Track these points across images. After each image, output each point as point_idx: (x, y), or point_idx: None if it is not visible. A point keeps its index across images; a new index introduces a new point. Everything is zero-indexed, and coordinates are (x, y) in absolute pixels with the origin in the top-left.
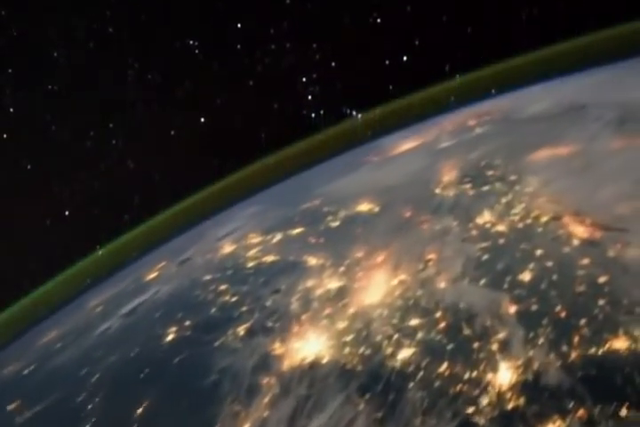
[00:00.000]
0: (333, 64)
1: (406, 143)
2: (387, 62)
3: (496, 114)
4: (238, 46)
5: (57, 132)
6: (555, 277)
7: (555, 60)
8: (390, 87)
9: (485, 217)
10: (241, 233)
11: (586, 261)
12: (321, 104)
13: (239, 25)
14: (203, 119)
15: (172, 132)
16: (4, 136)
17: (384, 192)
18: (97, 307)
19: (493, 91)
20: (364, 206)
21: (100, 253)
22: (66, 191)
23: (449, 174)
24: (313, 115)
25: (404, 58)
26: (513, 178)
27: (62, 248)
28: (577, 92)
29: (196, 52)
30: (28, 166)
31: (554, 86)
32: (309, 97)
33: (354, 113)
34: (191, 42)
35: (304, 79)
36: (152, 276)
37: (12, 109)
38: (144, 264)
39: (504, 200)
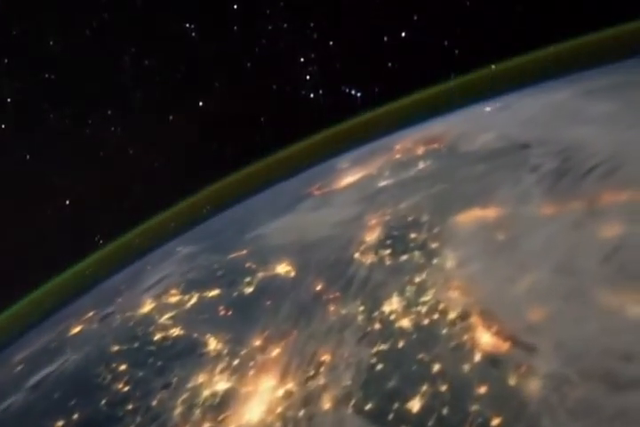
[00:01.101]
0: (331, 43)
1: (352, 172)
2: (385, 39)
3: (446, 140)
4: (235, 28)
5: (55, 120)
6: (445, 410)
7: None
8: (389, 64)
9: (393, 304)
10: (165, 285)
11: (483, 389)
12: (320, 84)
13: (235, 6)
14: (201, 103)
15: (171, 118)
16: (3, 126)
17: (306, 249)
18: (19, 364)
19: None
20: (282, 267)
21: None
22: (66, 180)
23: (373, 231)
24: (312, 95)
25: (403, 34)
26: (433, 246)
27: (63, 239)
28: (529, 119)
29: (193, 35)
30: (27, 156)
31: (513, 103)
32: (308, 77)
33: (352, 92)
34: (187, 25)
35: (302, 59)
36: (76, 330)
37: (9, 100)
38: (80, 307)
39: (418, 279)
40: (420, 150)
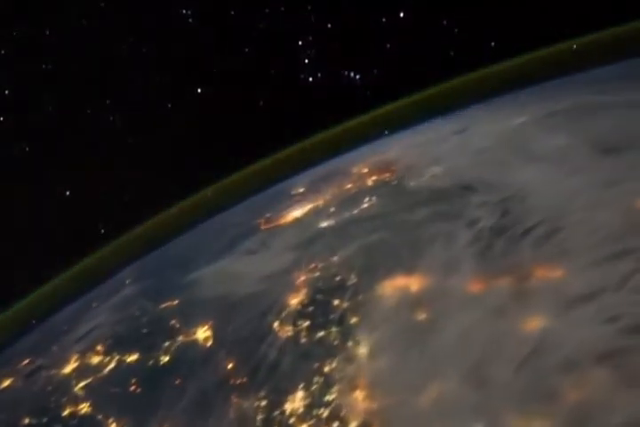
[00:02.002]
0: (329, 26)
1: (303, 201)
2: (383, 20)
3: (398, 170)
4: (232, 12)
5: (54, 111)
6: None
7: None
8: (388, 46)
9: (296, 400)
10: (94, 338)
11: None
12: (318, 67)
13: None
14: (199, 89)
15: (169, 105)
16: (1, 119)
17: (230, 309)
18: None
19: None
20: (202, 332)
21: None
22: (66, 171)
23: (299, 292)
24: (311, 78)
25: (401, 14)
26: (352, 321)
27: (64, 229)
28: (481, 150)
29: (190, 21)
30: (27, 148)
31: (472, 124)
32: (306, 60)
33: (351, 74)
34: (184, 11)
35: (300, 42)
36: (5, 384)
37: (7, 92)
38: (24, 346)
39: (327, 368)
40: (371, 180)
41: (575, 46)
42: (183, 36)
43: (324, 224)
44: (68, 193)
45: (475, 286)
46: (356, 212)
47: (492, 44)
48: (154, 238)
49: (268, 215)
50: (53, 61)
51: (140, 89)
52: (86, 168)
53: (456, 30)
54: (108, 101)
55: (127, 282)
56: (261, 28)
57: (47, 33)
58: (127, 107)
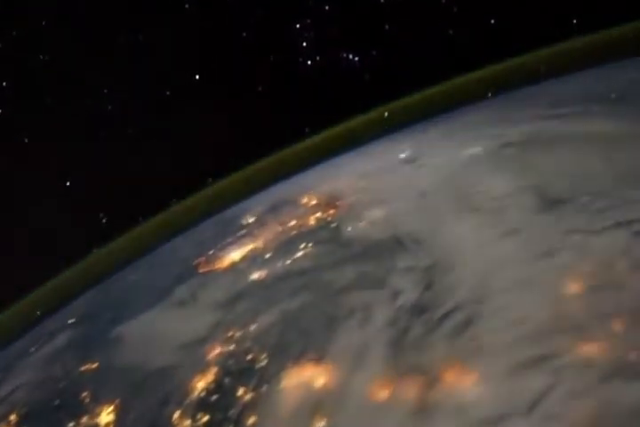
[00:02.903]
0: (327, 7)
1: (247, 237)
2: (381, 0)
3: (343, 206)
4: None
5: (52, 103)
6: None
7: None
8: (387, 27)
9: None
10: (9, 406)
11: None
12: (317, 50)
13: None
14: (197, 76)
15: (168, 93)
16: (0, 111)
17: (138, 388)
18: None
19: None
20: (106, 415)
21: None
22: (65, 162)
23: (207, 373)
24: (309, 61)
25: None
26: (249, 422)
27: (65, 221)
28: (423, 194)
29: (187, 7)
30: (26, 140)
31: (425, 152)
32: (304, 44)
33: (349, 56)
34: None
35: (298, 26)
36: None
37: (4, 83)
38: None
39: None
40: (314, 218)
41: (542, 68)
42: (180, 22)
43: (255, 276)
44: (68, 184)
45: (378, 391)
46: (288, 263)
47: (492, 21)
48: (113, 262)
49: (210, 252)
50: (50, 52)
51: (138, 77)
52: (86, 159)
53: (455, 9)
54: (105, 91)
55: (69, 322)
56: (259, 12)
57: (43, 23)
58: (125, 96)
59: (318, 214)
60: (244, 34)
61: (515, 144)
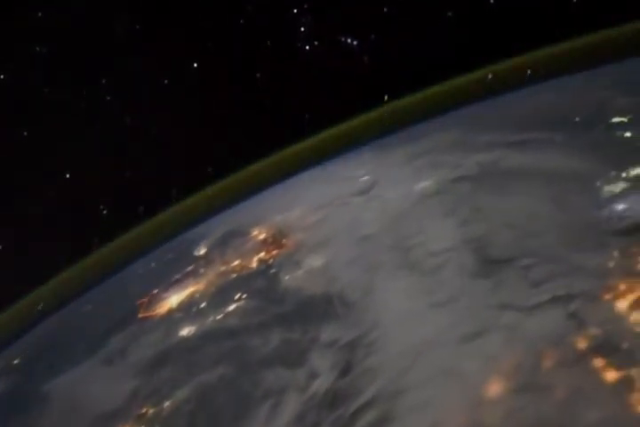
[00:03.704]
0: None
1: (188, 280)
2: None
3: (288, 247)
4: None
5: (50, 94)
6: None
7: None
8: (385, 9)
9: None
10: None
11: None
12: (315, 35)
13: None
14: (195, 64)
15: (166, 82)
16: None
17: None
18: None
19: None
20: None
21: None
22: (65, 154)
23: None
24: (307, 46)
25: None
26: None
27: (66, 212)
28: (366, 237)
29: None
30: (25, 133)
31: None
32: (302, 29)
33: (348, 40)
34: None
35: (295, 10)
36: None
37: (2, 76)
38: None
39: None
40: (257, 259)
41: (490, 76)
42: (176, 10)
43: (185, 332)
44: (68, 176)
45: None
46: (219, 318)
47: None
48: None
49: (155, 291)
50: (47, 43)
51: (136, 67)
52: (85, 150)
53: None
54: (103, 81)
55: (14, 362)
56: None
57: (40, 15)
58: (123, 86)
59: (262, 254)
60: (242, 21)
61: (468, 179)
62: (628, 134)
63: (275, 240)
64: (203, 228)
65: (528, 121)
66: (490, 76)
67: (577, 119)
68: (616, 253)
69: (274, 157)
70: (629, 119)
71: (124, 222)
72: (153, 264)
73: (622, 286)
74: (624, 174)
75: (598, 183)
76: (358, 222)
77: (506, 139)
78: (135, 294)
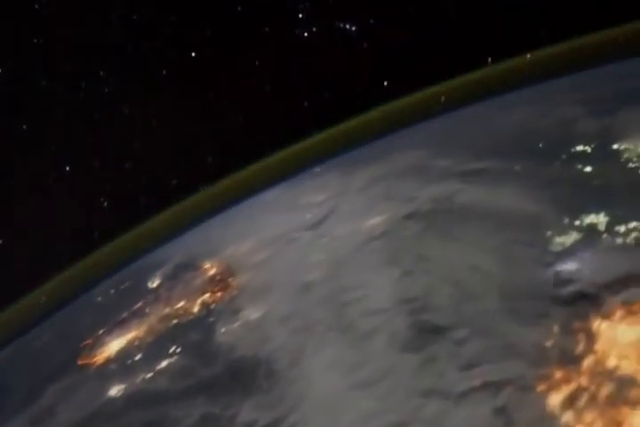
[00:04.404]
0: None
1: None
2: None
3: (230, 290)
4: None
5: (48, 87)
6: None
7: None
8: None
9: None
10: None
11: None
12: (313, 21)
13: None
14: (194, 53)
15: (164, 72)
16: None
17: None
18: None
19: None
20: None
21: None
22: (64, 147)
23: None
24: (306, 33)
25: None
26: None
27: (66, 203)
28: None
29: None
30: (24, 126)
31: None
32: (300, 15)
33: (346, 26)
34: None
35: None
36: None
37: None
38: None
39: None
40: (200, 302)
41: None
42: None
43: (114, 391)
44: (67, 168)
45: None
46: (150, 376)
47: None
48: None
49: (101, 331)
50: (44, 35)
51: (133, 57)
52: (85, 142)
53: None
54: (101, 73)
55: None
56: None
57: (36, 7)
58: (121, 77)
59: (207, 296)
60: (239, 8)
61: (419, 217)
62: (588, 169)
63: (222, 278)
64: (168, 249)
65: (492, 142)
66: (442, 99)
67: (541, 144)
68: (556, 329)
69: (241, 173)
70: (592, 149)
71: (125, 214)
72: (112, 291)
73: (558, 375)
74: (577, 222)
75: (549, 233)
76: (302, 265)
77: (465, 166)
78: (85, 328)
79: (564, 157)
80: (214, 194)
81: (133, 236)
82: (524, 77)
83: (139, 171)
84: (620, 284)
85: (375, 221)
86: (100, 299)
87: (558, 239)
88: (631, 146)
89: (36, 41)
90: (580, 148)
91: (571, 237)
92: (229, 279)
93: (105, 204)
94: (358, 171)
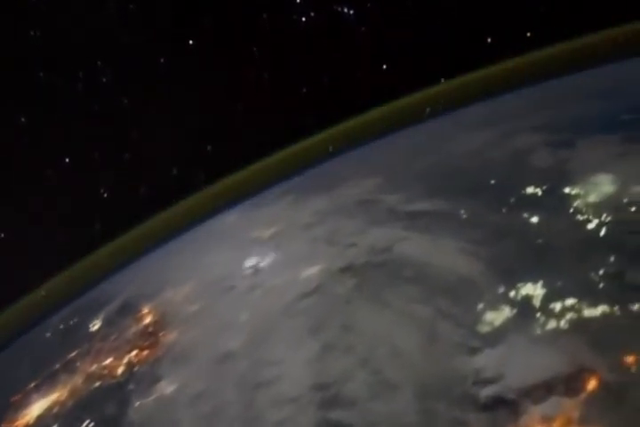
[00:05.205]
0: None
1: (54, 384)
2: None
3: (158, 348)
4: None
5: (46, 78)
6: None
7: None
8: None
9: None
10: None
11: None
12: (311, 5)
13: None
14: (191, 42)
15: (162, 60)
16: None
17: None
18: None
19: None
20: None
21: None
22: (63, 138)
23: None
24: (304, 18)
25: None
26: None
27: (67, 196)
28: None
29: None
30: (22, 119)
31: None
32: (298, 0)
33: (344, 10)
34: None
35: None
36: None
37: None
38: None
39: None
40: (126, 362)
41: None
42: None
43: None
44: (67, 160)
45: None
46: None
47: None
48: None
49: (32, 385)
50: (41, 27)
51: (131, 47)
52: (84, 133)
53: None
54: (99, 63)
55: None
56: None
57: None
58: (119, 66)
59: (134, 353)
60: None
61: (354, 270)
62: (534, 219)
63: (154, 331)
64: (125, 276)
65: (444, 173)
66: (330, 149)
67: (493, 181)
68: None
69: (198, 196)
70: (543, 192)
71: (125, 205)
72: (62, 326)
73: None
74: (512, 293)
75: (481, 305)
76: (229, 327)
77: (412, 205)
78: (22, 377)
79: (512, 200)
80: (176, 214)
81: (82, 267)
82: (488, 92)
83: (138, 160)
84: (543, 390)
85: (311, 272)
86: (48, 335)
87: (489, 316)
88: (582, 191)
89: (32, 33)
90: (530, 189)
91: (502, 314)
92: (160, 334)
93: (105, 195)
94: (310, 200)
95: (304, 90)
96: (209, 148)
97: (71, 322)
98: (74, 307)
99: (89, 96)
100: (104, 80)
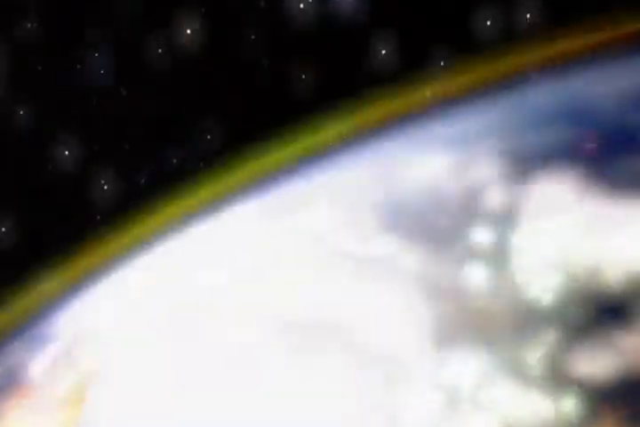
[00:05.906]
0: None
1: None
2: None
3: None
4: None
5: (44, 71)
6: None
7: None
8: None
9: None
10: None
11: None
12: None
13: None
14: (189, 31)
15: (160, 51)
16: None
17: None
18: None
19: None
20: None
21: None
22: (62, 133)
23: None
24: (302, 5)
25: None
26: None
27: (67, 190)
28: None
29: None
30: (21, 112)
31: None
32: None
33: None
34: None
35: None
36: None
37: None
38: None
39: None
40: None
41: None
42: None
43: None
44: (66, 153)
45: None
46: None
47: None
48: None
49: None
50: (38, 19)
51: (127, 37)
52: (83, 126)
53: None
54: (96, 54)
55: None
56: None
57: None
58: (116, 57)
59: (61, 415)
60: None
61: (297, 331)
62: (477, 276)
63: (79, 390)
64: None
65: (397, 209)
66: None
67: (441, 222)
68: None
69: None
70: (490, 244)
71: (125, 198)
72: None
73: None
74: (437, 380)
75: (403, 391)
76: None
77: (362, 246)
78: None
79: (458, 250)
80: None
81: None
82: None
83: (138, 151)
84: None
85: (243, 336)
86: None
87: (409, 409)
88: (533, 244)
89: (29, 25)
90: (478, 237)
91: (426, 402)
92: (83, 396)
93: (105, 186)
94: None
95: (303, 76)
96: (208, 136)
97: (10, 363)
98: (21, 341)
99: (88, 89)
100: (102, 72)
